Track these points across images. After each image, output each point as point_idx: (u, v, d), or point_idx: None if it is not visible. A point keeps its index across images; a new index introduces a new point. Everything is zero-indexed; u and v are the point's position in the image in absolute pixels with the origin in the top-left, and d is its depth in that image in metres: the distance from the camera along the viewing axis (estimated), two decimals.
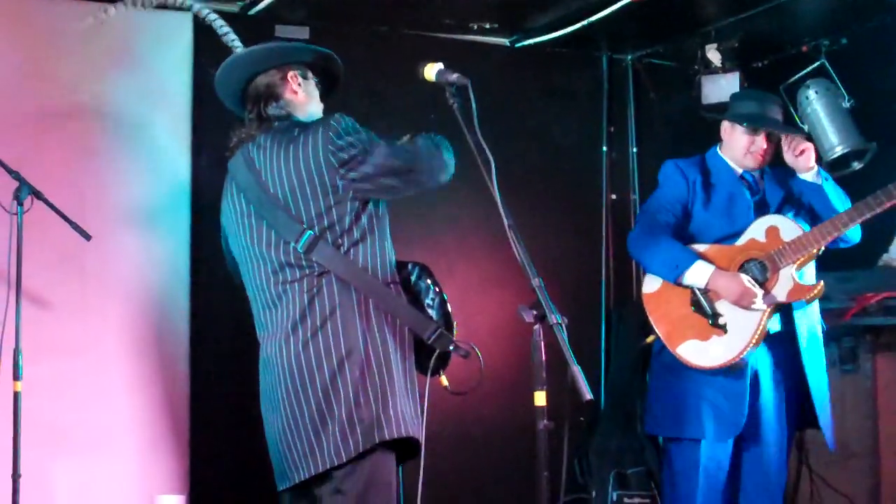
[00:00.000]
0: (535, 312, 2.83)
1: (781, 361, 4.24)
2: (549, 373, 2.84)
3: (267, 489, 5.00)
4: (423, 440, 3.40)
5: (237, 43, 4.27)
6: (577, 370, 2.66)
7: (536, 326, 2.84)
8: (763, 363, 4.23)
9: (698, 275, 4.16)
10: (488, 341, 5.35)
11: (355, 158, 3.36)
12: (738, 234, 4.26)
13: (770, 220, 4.25)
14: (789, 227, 4.21)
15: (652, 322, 4.31)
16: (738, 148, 4.37)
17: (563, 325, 2.75)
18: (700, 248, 4.26)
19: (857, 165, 5.64)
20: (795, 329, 4.21)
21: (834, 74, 5.59)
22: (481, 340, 5.38)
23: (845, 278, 5.35)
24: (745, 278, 4.11)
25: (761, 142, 4.32)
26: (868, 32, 5.48)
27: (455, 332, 3.38)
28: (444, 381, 3.25)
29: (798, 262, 4.15)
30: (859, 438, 5.10)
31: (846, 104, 5.56)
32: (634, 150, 6.17)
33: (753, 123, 4.35)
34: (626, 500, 5.29)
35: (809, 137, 5.06)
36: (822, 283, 4.20)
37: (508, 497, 5.20)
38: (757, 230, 4.24)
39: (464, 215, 5.42)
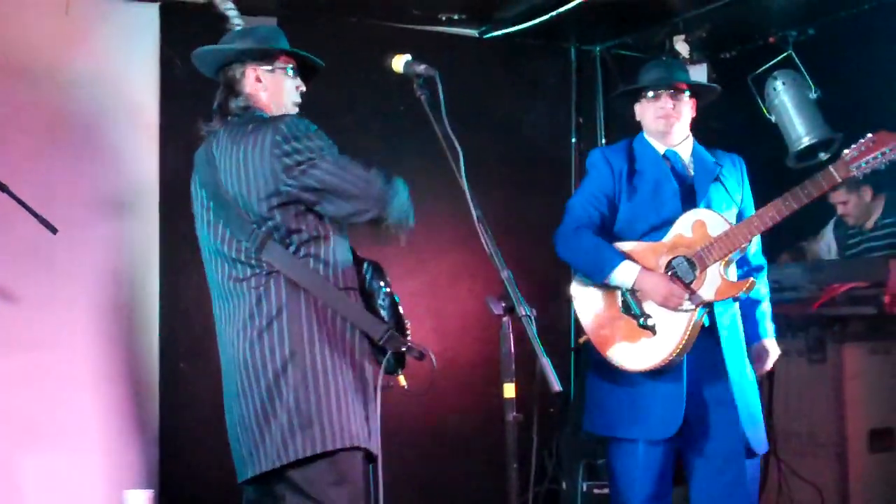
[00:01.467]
0: (503, 304, 2.82)
1: (708, 358, 4.07)
2: (518, 364, 2.84)
3: (236, 485, 5.01)
4: (378, 443, 3.32)
5: (238, 21, 4.23)
6: (545, 362, 2.65)
7: (505, 318, 2.84)
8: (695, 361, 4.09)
9: (624, 275, 4.00)
10: (458, 333, 5.39)
11: (299, 166, 3.29)
12: (666, 224, 4.09)
13: (697, 214, 4.06)
14: (716, 222, 4.02)
15: (582, 323, 4.17)
16: (649, 120, 4.24)
17: (532, 317, 2.74)
18: (626, 245, 4.10)
19: (823, 156, 5.68)
20: (717, 325, 4.06)
21: (801, 65, 5.63)
22: (451, 332, 5.44)
23: (812, 268, 5.39)
24: (667, 279, 3.98)
25: (665, 103, 4.17)
26: (835, 23, 5.51)
27: (408, 333, 3.35)
28: (402, 381, 3.21)
29: (725, 259, 3.98)
30: (827, 428, 5.13)
31: (813, 95, 5.60)
32: (603, 141, 6.17)
33: (644, 83, 4.25)
34: (595, 490, 5.28)
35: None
36: (752, 279, 4.07)
37: (478, 489, 5.19)
38: (683, 225, 4.06)
39: (433, 207, 5.41)
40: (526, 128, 5.88)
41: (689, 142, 4.27)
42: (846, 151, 3.92)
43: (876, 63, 5.40)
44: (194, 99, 5.09)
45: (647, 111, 4.24)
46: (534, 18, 5.55)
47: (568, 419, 5.63)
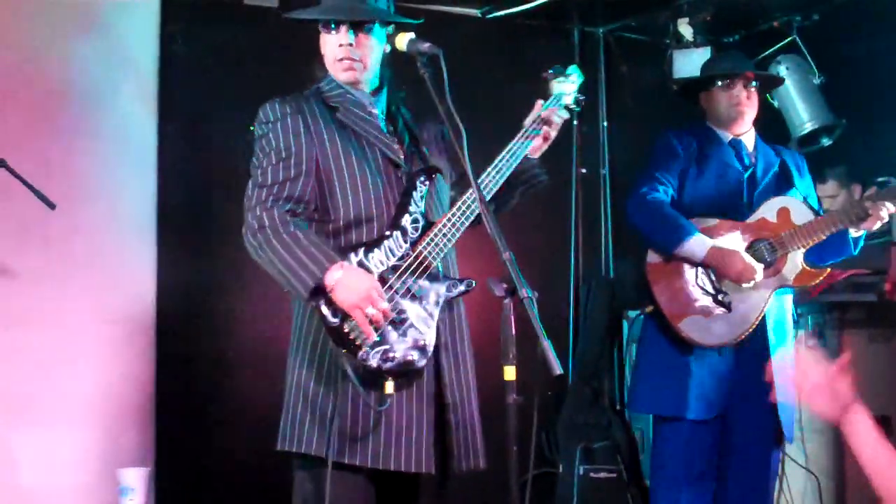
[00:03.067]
0: (505, 286, 2.81)
1: (754, 342, 4.18)
2: (518, 347, 2.83)
3: (232, 461, 5.00)
4: (344, 448, 3.18)
5: None
6: (547, 344, 2.64)
7: (507, 300, 2.83)
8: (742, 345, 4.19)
9: (696, 247, 4.10)
10: None
11: (253, 154, 3.35)
12: (733, 207, 4.23)
13: (782, 201, 4.21)
14: (801, 211, 4.18)
15: (654, 293, 4.22)
16: (720, 109, 4.35)
17: (534, 300, 2.73)
18: (710, 221, 4.20)
19: (826, 141, 5.67)
20: (765, 314, 4.17)
21: (805, 50, 5.60)
22: None
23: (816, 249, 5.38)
24: (744, 255, 4.07)
25: (739, 91, 4.30)
26: (840, 9, 5.49)
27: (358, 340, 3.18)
28: (387, 388, 3.13)
29: (806, 247, 4.13)
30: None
31: (817, 80, 5.58)
32: (605, 123, 6.15)
33: (721, 71, 4.37)
34: (592, 474, 5.30)
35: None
36: (828, 269, 4.19)
37: (478, 471, 5.18)
38: (768, 210, 4.20)
39: None
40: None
41: (753, 133, 4.41)
42: None
43: (880, 49, 5.38)
44: (194, 73, 5.11)
45: (719, 99, 4.35)
46: None
47: (566, 403, 5.62)
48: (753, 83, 4.34)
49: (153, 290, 5.00)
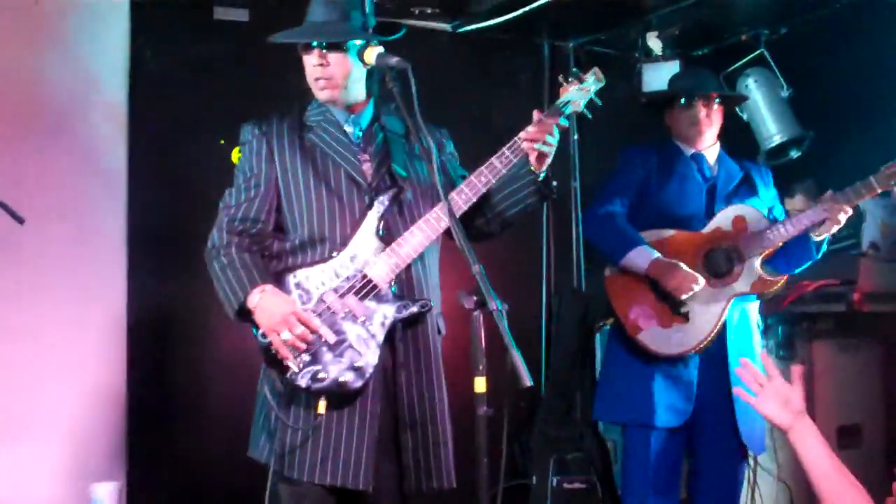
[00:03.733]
0: (475, 298, 2.82)
1: (717, 352, 4.21)
2: (489, 359, 2.84)
3: (206, 473, 4.98)
4: (283, 462, 3.26)
5: None
6: (516, 356, 2.64)
7: (476, 312, 2.83)
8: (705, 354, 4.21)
9: (639, 259, 4.13)
10: None
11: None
12: (693, 218, 4.26)
13: (737, 209, 4.23)
14: (757, 218, 4.20)
15: (613, 305, 4.26)
16: (680, 126, 4.39)
17: (504, 312, 2.74)
18: (665, 233, 4.23)
19: (794, 154, 5.71)
20: (726, 323, 4.18)
21: (773, 64, 5.65)
22: None
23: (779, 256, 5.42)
24: (683, 267, 4.08)
25: (698, 111, 4.33)
26: (807, 23, 5.54)
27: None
28: (320, 407, 3.16)
29: (763, 255, 4.15)
30: None
31: (785, 93, 5.62)
32: (575, 137, 6.17)
33: (680, 91, 4.41)
34: (565, 485, 5.30)
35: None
36: (785, 276, 4.21)
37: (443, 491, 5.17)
38: (724, 219, 4.23)
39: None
40: (498, 123, 5.83)
41: (716, 147, 4.44)
42: (887, 165, 4.05)
43: (847, 62, 5.43)
44: (164, 91, 5.09)
45: (680, 117, 4.38)
46: (507, 13, 5.53)
47: (538, 415, 5.63)
48: (717, 99, 4.38)
49: (124, 305, 4.98)
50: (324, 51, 3.30)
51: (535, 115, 3.33)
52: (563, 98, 3.42)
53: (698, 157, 4.37)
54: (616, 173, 4.41)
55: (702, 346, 4.11)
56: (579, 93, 3.43)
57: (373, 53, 3.22)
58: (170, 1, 5.11)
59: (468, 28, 5.84)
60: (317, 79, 3.35)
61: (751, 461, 4.50)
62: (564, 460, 5.35)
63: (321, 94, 3.37)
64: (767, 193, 4.42)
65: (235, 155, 4.95)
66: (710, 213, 4.28)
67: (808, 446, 2.87)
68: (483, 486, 2.85)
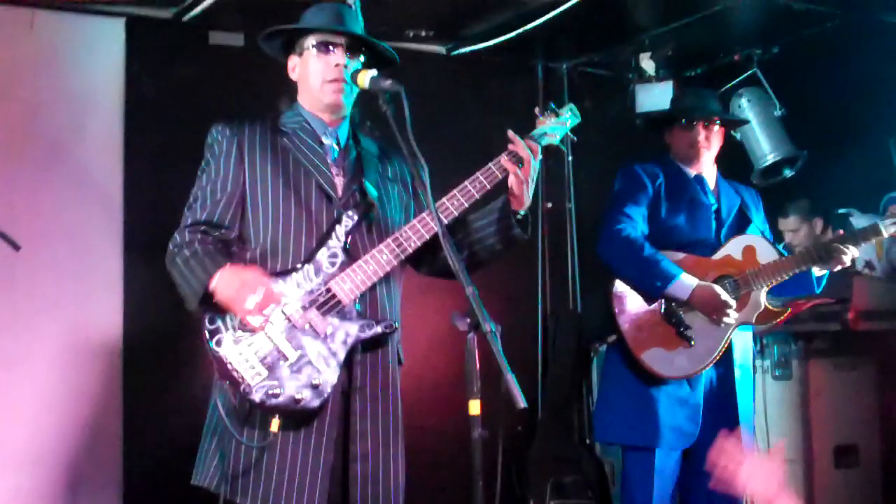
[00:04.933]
0: (468, 320, 2.80)
1: (721, 378, 4.21)
2: (484, 381, 2.82)
3: (204, 498, 4.96)
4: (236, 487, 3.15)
5: None
6: (510, 378, 2.63)
7: (470, 335, 2.82)
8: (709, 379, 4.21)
9: (681, 290, 4.10)
10: (425, 349, 5.37)
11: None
12: (703, 242, 4.26)
13: (748, 239, 4.25)
14: (766, 250, 4.21)
15: (618, 323, 4.23)
16: (680, 147, 4.38)
17: (497, 333, 2.72)
18: (677, 256, 4.21)
19: (788, 173, 5.73)
20: (732, 349, 4.20)
21: (766, 83, 5.67)
22: (418, 348, 5.41)
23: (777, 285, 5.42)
24: (721, 291, 4.10)
25: (698, 132, 4.32)
26: (799, 42, 5.56)
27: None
28: (273, 425, 3.04)
29: (770, 286, 4.16)
30: (792, 444, 5.14)
31: (778, 112, 5.64)
32: (570, 158, 6.18)
33: (680, 112, 4.39)
34: None
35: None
36: (790, 309, 4.22)
37: None
38: (734, 247, 4.24)
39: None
40: (493, 144, 5.83)
41: (714, 170, 4.43)
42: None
43: (839, 81, 5.45)
44: (159, 115, 5.10)
45: (680, 138, 4.37)
46: (501, 36, 5.56)
47: (535, 438, 5.62)
48: (718, 122, 4.37)
49: (120, 331, 4.98)
50: (347, 52, 3.26)
51: (510, 134, 3.31)
52: (539, 130, 3.42)
53: (700, 180, 4.37)
54: (625, 191, 4.35)
55: (702, 370, 4.11)
56: (555, 126, 3.43)
57: (367, 76, 3.20)
58: (165, 24, 5.13)
59: (462, 50, 5.86)
60: (333, 80, 3.27)
61: None
62: (562, 483, 5.34)
63: (333, 97, 3.29)
64: (759, 217, 4.43)
65: None
66: (717, 238, 4.28)
67: None
68: None
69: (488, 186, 3.27)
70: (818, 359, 5.20)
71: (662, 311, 4.17)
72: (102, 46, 5.03)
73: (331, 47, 3.27)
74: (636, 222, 4.24)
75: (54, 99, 4.90)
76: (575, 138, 3.52)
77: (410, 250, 3.18)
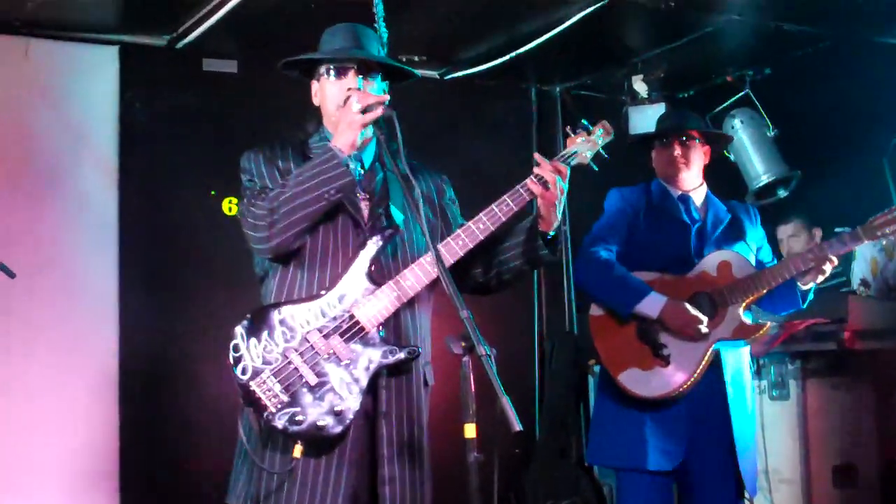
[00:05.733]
0: (463, 344, 2.80)
1: (711, 395, 4.15)
2: (479, 405, 2.82)
3: None
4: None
5: None
6: (506, 401, 2.62)
7: (465, 358, 2.82)
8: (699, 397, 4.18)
9: (650, 307, 4.07)
10: None
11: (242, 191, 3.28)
12: (680, 260, 4.22)
13: (723, 255, 4.19)
14: (742, 265, 4.16)
15: (596, 346, 4.20)
16: (660, 166, 4.37)
17: (492, 357, 2.71)
18: (648, 276, 4.17)
19: (782, 193, 5.74)
20: (722, 366, 4.14)
21: (758, 104, 5.69)
22: None
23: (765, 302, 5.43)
24: (690, 307, 4.06)
25: (674, 150, 4.30)
26: (791, 63, 5.58)
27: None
28: (296, 451, 3.04)
29: (747, 301, 4.13)
30: (790, 464, 5.13)
31: (771, 133, 5.66)
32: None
33: (655, 131, 4.41)
34: None
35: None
36: (769, 324, 4.19)
37: None
38: (709, 264, 4.19)
39: None
40: (487, 167, 5.87)
41: (703, 189, 4.39)
42: (874, 216, 4.06)
43: (831, 101, 5.46)
44: (154, 140, 5.12)
45: (659, 157, 4.37)
46: (493, 59, 5.58)
47: (533, 460, 5.61)
48: (696, 140, 4.36)
49: (116, 357, 4.97)
50: (360, 76, 3.24)
51: (536, 157, 3.27)
52: (570, 149, 3.36)
53: (685, 199, 4.36)
54: (605, 215, 4.38)
55: (682, 389, 4.06)
56: (586, 145, 3.38)
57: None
58: (158, 51, 5.15)
59: (456, 75, 5.88)
60: None
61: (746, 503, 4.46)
62: None
63: None
64: (756, 233, 4.41)
65: (226, 205, 4.97)
66: (699, 256, 4.26)
67: None
68: None
69: (515, 209, 3.24)
70: (815, 379, 5.18)
71: (637, 331, 4.14)
72: (96, 74, 5.05)
73: (342, 72, 3.26)
74: (610, 245, 4.23)
75: (49, 127, 4.92)
76: (608, 156, 3.45)
77: (435, 275, 3.14)
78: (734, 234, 4.32)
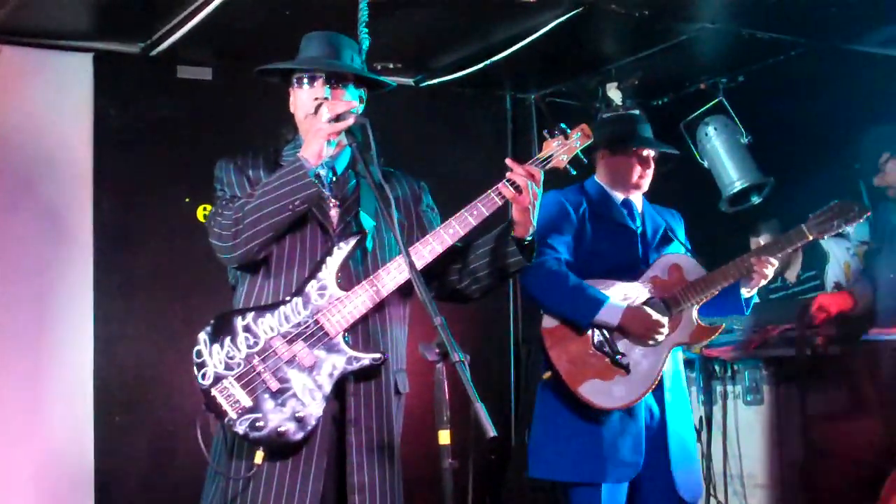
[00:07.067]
0: (437, 350, 2.80)
1: (656, 403, 4.14)
2: (454, 411, 2.82)
3: None
4: None
5: None
6: (480, 407, 2.63)
7: (439, 364, 2.82)
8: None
9: (610, 315, 4.03)
10: None
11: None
12: (628, 266, 4.20)
13: (672, 258, 4.20)
14: (692, 267, 4.17)
15: (552, 358, 4.12)
16: (623, 173, 4.30)
17: (466, 363, 2.71)
18: (604, 283, 4.13)
19: (756, 199, 5.77)
20: (662, 375, 4.11)
21: (732, 111, 5.72)
22: None
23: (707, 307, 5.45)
24: (652, 311, 4.04)
25: (639, 159, 4.27)
26: (764, 70, 5.61)
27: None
28: (256, 458, 3.04)
29: (700, 303, 4.11)
30: (765, 469, 5.16)
31: (744, 140, 5.69)
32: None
33: (629, 144, 4.31)
34: None
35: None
36: (723, 324, 4.19)
37: None
38: (660, 268, 4.18)
39: None
40: (462, 175, 5.85)
41: (640, 193, 4.36)
42: (815, 213, 4.11)
43: (804, 108, 5.50)
44: (128, 148, 5.11)
45: (616, 162, 4.31)
46: (468, 67, 5.58)
47: (510, 465, 5.61)
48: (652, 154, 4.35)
49: (91, 366, 4.95)
50: (328, 86, 3.23)
51: (509, 161, 3.25)
52: (545, 153, 3.34)
53: (628, 204, 4.31)
54: (548, 218, 4.17)
55: (642, 397, 4.04)
56: (562, 148, 3.35)
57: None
58: (132, 59, 5.14)
59: (431, 82, 5.88)
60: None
61: None
62: None
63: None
64: (682, 236, 4.38)
65: (200, 212, 4.95)
66: (645, 262, 4.23)
67: None
68: None
69: (486, 213, 3.24)
70: (789, 383, 5.22)
71: (594, 341, 4.09)
72: (70, 81, 5.03)
73: (312, 80, 3.26)
74: (559, 253, 4.15)
75: (22, 134, 4.90)
76: (586, 160, 3.43)
77: (402, 281, 3.14)
78: (670, 238, 4.30)
